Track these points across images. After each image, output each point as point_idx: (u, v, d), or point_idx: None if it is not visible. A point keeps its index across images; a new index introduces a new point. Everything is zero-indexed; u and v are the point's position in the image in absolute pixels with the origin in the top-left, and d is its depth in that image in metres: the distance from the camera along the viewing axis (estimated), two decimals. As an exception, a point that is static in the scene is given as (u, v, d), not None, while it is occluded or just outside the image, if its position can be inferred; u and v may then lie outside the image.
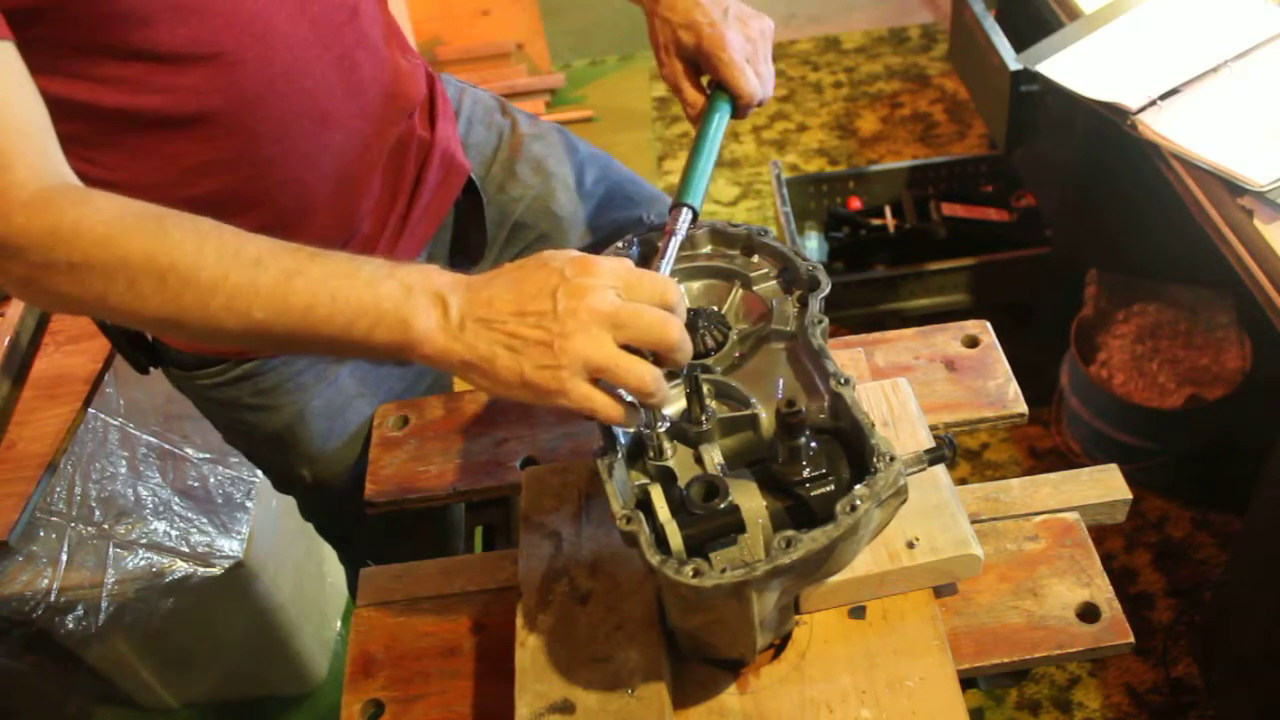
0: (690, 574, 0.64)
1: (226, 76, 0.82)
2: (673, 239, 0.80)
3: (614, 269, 0.67)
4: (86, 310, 0.74)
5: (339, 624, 1.86)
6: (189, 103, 0.82)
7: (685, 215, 0.82)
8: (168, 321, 0.71)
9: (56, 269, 0.68)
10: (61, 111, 0.73)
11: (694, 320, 0.79)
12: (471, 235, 1.13)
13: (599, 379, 0.66)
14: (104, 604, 1.44)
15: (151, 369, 1.10)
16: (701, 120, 0.89)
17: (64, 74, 0.76)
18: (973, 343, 1.03)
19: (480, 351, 0.67)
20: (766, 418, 0.75)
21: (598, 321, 0.65)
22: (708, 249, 0.87)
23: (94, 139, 0.78)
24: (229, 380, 1.03)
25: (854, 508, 0.65)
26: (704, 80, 0.92)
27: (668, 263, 0.78)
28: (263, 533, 1.55)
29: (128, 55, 0.77)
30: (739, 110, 0.90)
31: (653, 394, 0.67)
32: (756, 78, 0.89)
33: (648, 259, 0.85)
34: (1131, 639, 0.80)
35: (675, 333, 0.67)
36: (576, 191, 1.18)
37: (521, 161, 1.16)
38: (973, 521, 0.82)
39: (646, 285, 0.68)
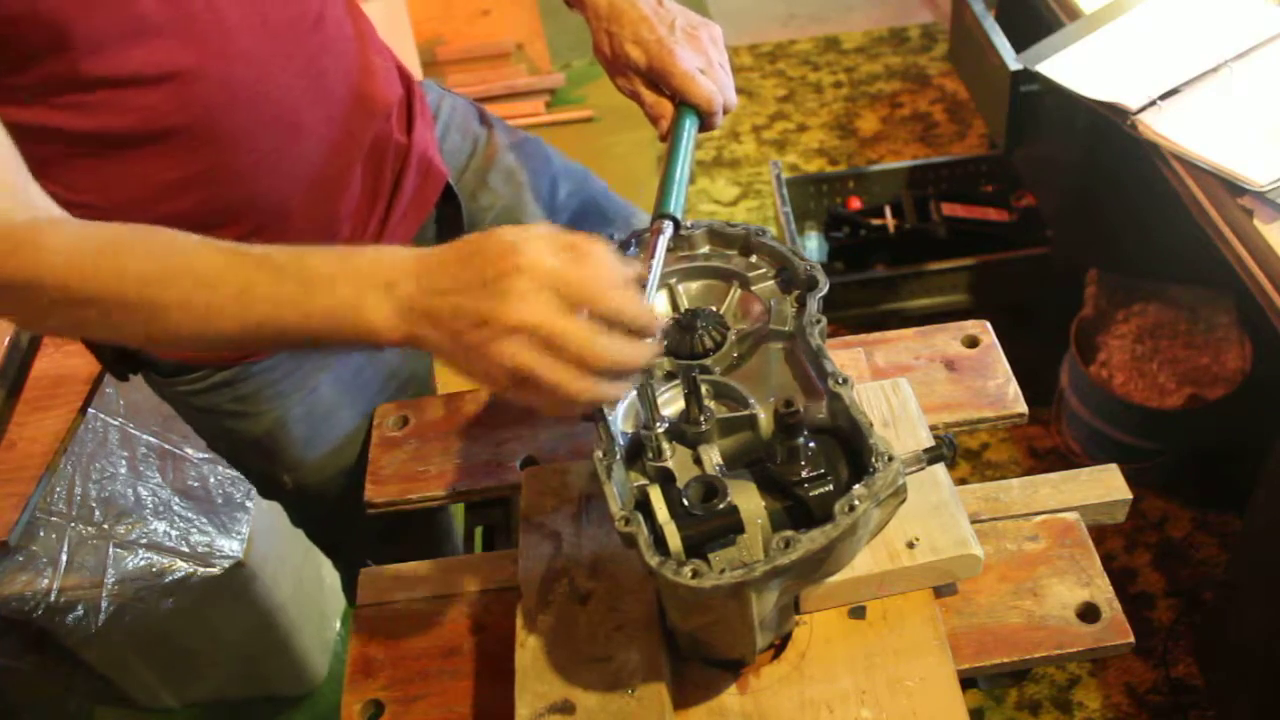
0: (689, 575, 0.64)
1: (188, 94, 0.81)
2: (659, 240, 0.79)
3: (553, 274, 0.62)
4: (78, 334, 0.75)
5: (339, 624, 1.86)
6: (153, 122, 0.81)
7: (668, 227, 0.80)
8: (149, 342, 0.74)
9: (36, 308, 0.71)
10: (26, 136, 0.73)
11: (692, 320, 0.79)
12: (452, 240, 1.13)
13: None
14: (104, 604, 1.44)
15: (132, 375, 1.09)
16: (671, 133, 0.89)
17: (23, 102, 0.75)
18: (973, 343, 1.03)
19: (431, 342, 0.65)
20: (765, 418, 0.75)
21: (518, 331, 0.61)
22: (706, 249, 0.87)
23: (61, 162, 0.78)
24: (208, 387, 1.02)
25: (852, 508, 0.65)
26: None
27: (655, 274, 0.76)
28: (262, 533, 1.55)
29: (85, 82, 0.77)
30: (705, 121, 0.90)
31: (580, 401, 0.63)
32: (713, 85, 0.89)
33: None
34: (1131, 639, 0.80)
35: (611, 355, 0.62)
36: (548, 204, 1.18)
37: (494, 171, 1.15)
38: (973, 521, 0.82)
39: (591, 292, 0.62)
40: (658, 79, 0.90)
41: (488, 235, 0.65)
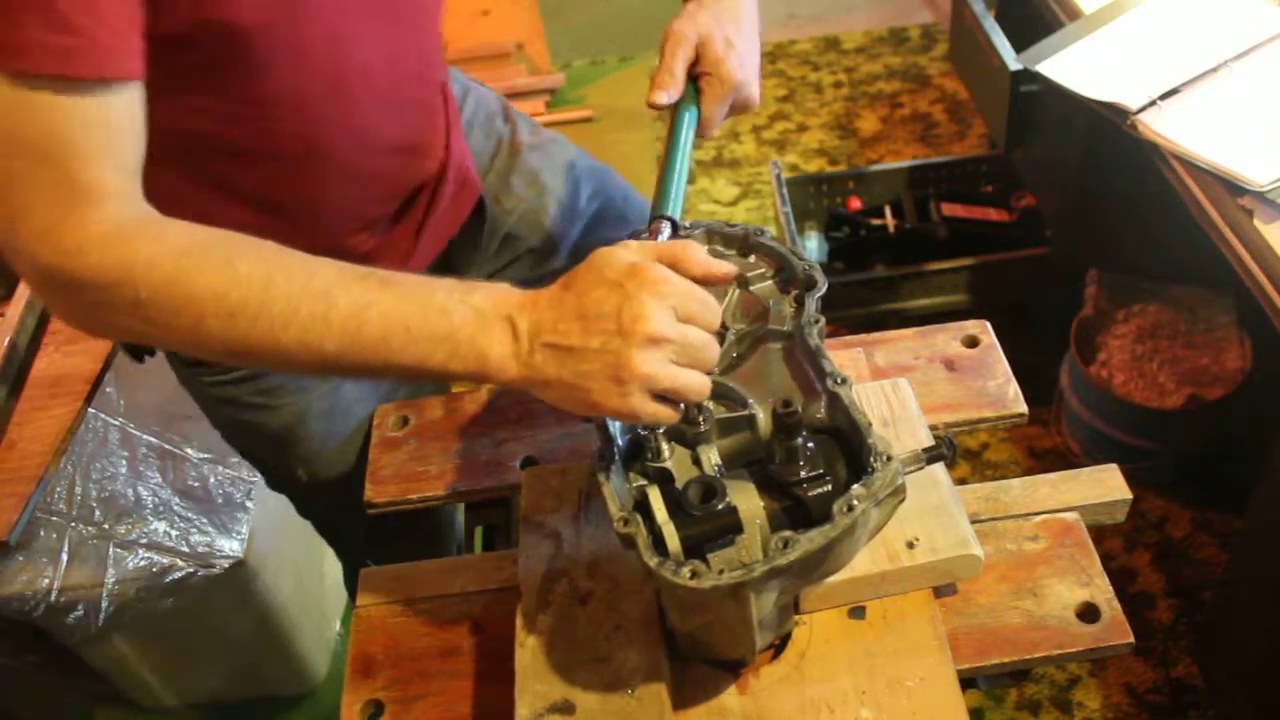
0: (688, 576, 0.64)
1: (309, 124, 0.84)
2: (656, 241, 0.80)
3: (674, 288, 0.66)
4: (147, 341, 0.73)
5: (339, 624, 1.86)
6: (265, 142, 0.84)
7: (665, 228, 0.82)
8: (235, 355, 0.70)
9: (119, 306, 0.67)
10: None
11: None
12: (466, 246, 1.13)
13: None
14: (104, 604, 1.44)
15: (149, 357, 1.09)
16: (669, 133, 0.90)
17: (184, 106, 0.77)
18: (973, 343, 1.03)
19: (549, 376, 0.66)
20: (764, 418, 0.75)
21: (657, 343, 0.65)
22: (704, 249, 0.87)
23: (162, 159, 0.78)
24: (233, 380, 1.03)
25: (851, 508, 0.65)
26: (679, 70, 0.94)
27: None
28: (263, 533, 1.55)
29: (242, 96, 0.79)
30: (701, 125, 0.93)
31: (704, 398, 0.69)
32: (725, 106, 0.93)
33: None
34: (1131, 639, 0.80)
35: (714, 357, 0.68)
36: (570, 208, 1.18)
37: (517, 173, 1.15)
38: (972, 521, 0.82)
39: (697, 304, 0.67)
40: (702, 54, 0.93)
41: (594, 264, 0.68)
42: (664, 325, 0.65)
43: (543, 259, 1.18)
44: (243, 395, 1.04)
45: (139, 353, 1.09)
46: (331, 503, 1.14)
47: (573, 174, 1.19)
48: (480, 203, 1.10)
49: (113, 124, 0.67)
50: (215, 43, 0.74)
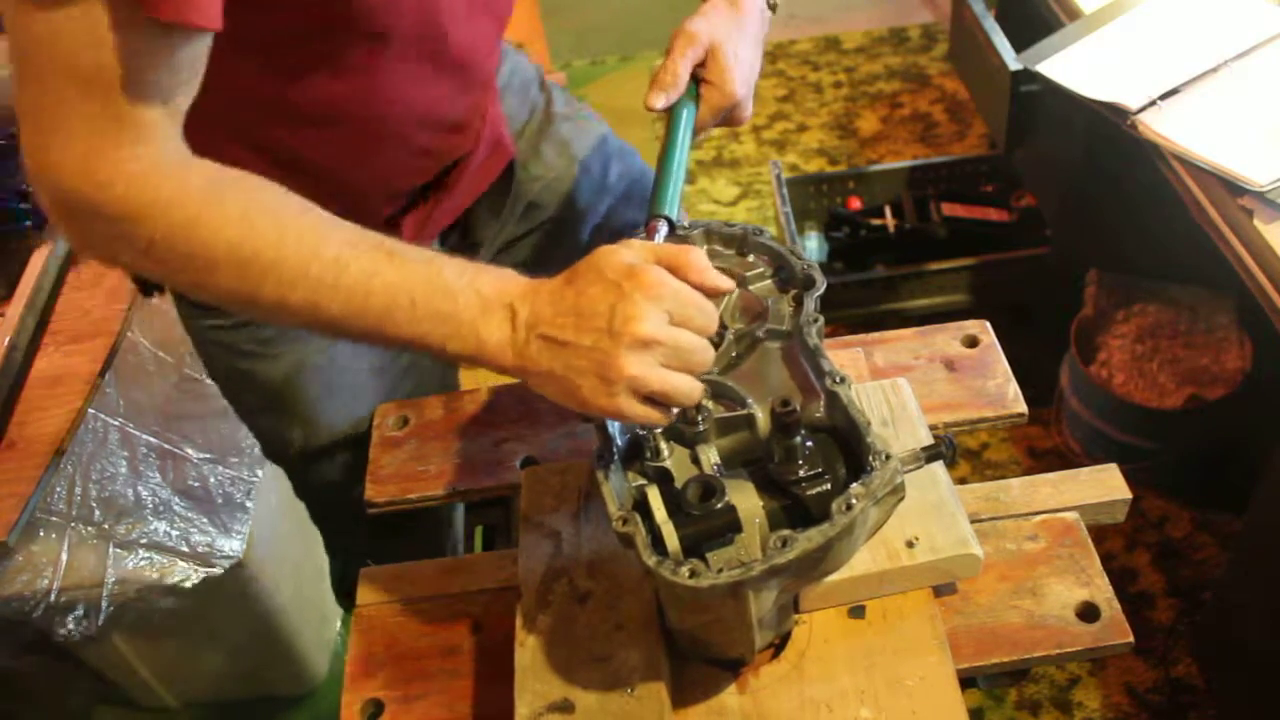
0: (686, 575, 0.64)
1: (396, 93, 0.86)
2: (653, 241, 0.80)
3: (670, 291, 0.67)
4: (158, 280, 0.73)
5: (339, 624, 1.86)
6: (341, 108, 0.85)
7: (662, 227, 0.82)
8: (241, 305, 0.71)
9: (134, 243, 0.67)
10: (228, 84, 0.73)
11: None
12: (487, 209, 1.13)
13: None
14: (104, 604, 1.44)
15: (159, 295, 1.10)
16: (666, 132, 0.90)
17: (271, 69, 0.78)
18: (972, 343, 1.03)
19: (542, 368, 0.67)
20: (763, 418, 0.75)
21: (647, 345, 0.65)
22: (702, 249, 0.87)
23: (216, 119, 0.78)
24: (234, 324, 1.02)
25: (850, 506, 0.65)
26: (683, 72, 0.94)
27: None
28: (263, 533, 1.55)
29: (343, 64, 0.80)
30: (698, 122, 0.93)
31: (696, 403, 0.70)
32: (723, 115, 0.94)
33: None
34: (1131, 639, 0.80)
35: (707, 361, 0.68)
36: (599, 182, 1.18)
37: (548, 141, 1.15)
38: (972, 521, 0.82)
39: (693, 309, 0.68)
40: (710, 59, 0.93)
41: (595, 262, 0.68)
42: (655, 328, 0.65)
43: (564, 232, 1.17)
44: (240, 342, 1.03)
45: (149, 289, 1.08)
46: (328, 479, 1.13)
47: (604, 149, 1.19)
48: (509, 167, 1.10)
49: (181, 68, 0.67)
50: (331, 8, 0.75)
